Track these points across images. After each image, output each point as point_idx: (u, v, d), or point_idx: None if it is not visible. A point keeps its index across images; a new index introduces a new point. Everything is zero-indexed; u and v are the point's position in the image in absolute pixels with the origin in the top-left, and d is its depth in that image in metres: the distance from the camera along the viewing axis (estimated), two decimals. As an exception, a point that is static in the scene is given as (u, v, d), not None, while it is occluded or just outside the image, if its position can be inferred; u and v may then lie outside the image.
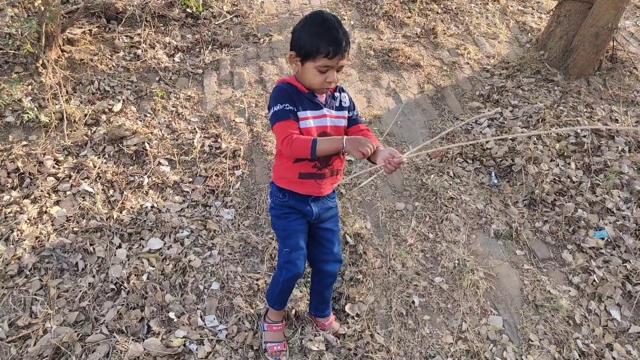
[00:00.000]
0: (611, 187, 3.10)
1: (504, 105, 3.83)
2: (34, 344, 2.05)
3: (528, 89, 4.00)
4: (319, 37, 1.62)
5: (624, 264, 2.67)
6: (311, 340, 2.19)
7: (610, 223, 2.89)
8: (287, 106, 1.69)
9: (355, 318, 2.35)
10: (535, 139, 3.38)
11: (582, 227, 2.88)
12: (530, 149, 3.28)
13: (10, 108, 3.17)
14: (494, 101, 3.90)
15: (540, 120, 3.58)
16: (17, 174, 2.76)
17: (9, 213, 2.56)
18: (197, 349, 2.11)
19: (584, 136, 3.44)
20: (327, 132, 1.80)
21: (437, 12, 4.99)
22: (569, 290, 2.58)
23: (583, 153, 3.33)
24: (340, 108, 1.86)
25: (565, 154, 3.32)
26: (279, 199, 1.93)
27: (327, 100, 1.82)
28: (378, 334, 2.29)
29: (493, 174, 3.24)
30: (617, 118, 3.73)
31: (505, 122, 3.60)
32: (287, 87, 1.74)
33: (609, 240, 2.81)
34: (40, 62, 3.42)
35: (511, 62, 4.38)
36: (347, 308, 2.37)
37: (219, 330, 2.22)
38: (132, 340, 2.09)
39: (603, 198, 3.03)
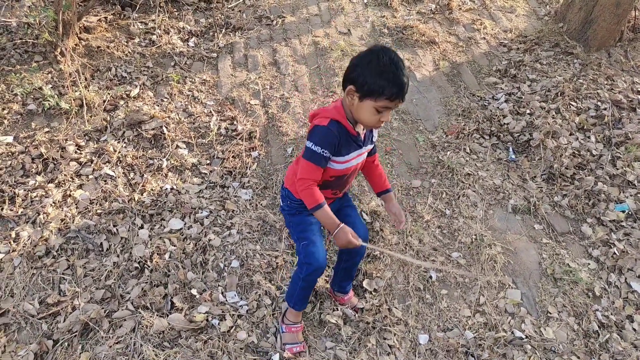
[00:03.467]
0: (632, 159, 3.04)
1: (521, 80, 3.77)
2: (64, 320, 2.14)
3: (546, 63, 3.92)
4: (385, 79, 1.59)
5: (646, 237, 2.64)
6: (329, 314, 2.23)
7: (631, 196, 2.85)
8: (326, 153, 1.72)
9: (373, 293, 2.38)
10: (554, 113, 3.33)
11: (602, 201, 2.84)
12: (549, 123, 3.23)
13: (32, 96, 3.25)
14: (512, 76, 3.83)
15: (559, 94, 3.51)
16: (41, 160, 2.85)
17: (35, 197, 2.65)
18: (219, 324, 2.17)
19: (605, 109, 3.37)
20: (357, 167, 1.92)
21: (452, -12, 4.88)
22: (589, 264, 2.56)
23: (603, 126, 3.26)
24: (371, 141, 1.92)
25: (585, 127, 3.26)
26: (294, 202, 1.98)
27: (366, 136, 1.85)
28: (396, 308, 2.32)
29: (511, 150, 3.21)
30: (639, 90, 3.64)
31: (523, 97, 3.55)
32: (337, 130, 1.72)
33: (630, 213, 2.77)
34: (59, 50, 3.48)
35: (529, 36, 4.29)
36: (364, 284, 2.40)
37: (240, 306, 2.27)
38: (157, 315, 2.17)
39: (624, 171, 2.98)
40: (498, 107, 3.50)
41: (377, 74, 1.60)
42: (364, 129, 1.82)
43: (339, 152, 1.77)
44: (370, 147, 1.92)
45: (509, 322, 2.28)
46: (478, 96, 3.68)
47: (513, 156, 3.16)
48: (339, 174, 1.87)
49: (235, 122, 3.30)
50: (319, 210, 1.76)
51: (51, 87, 3.28)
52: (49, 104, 3.14)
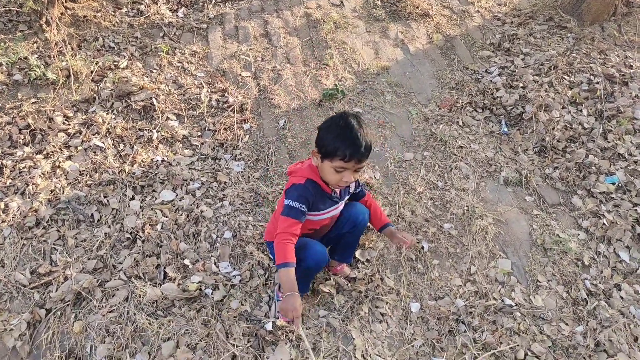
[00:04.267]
0: (623, 132, 3.06)
1: (515, 53, 3.75)
2: (56, 290, 2.13)
3: (540, 37, 3.90)
4: (339, 140, 1.73)
5: (635, 208, 2.67)
6: (322, 283, 2.24)
7: (621, 168, 2.87)
8: (303, 207, 1.83)
9: (366, 263, 2.39)
10: (547, 86, 3.32)
11: (593, 173, 2.86)
12: (541, 97, 3.22)
13: (17, 66, 3.16)
14: (505, 49, 3.81)
15: (552, 67, 3.50)
16: (28, 131, 2.79)
17: (23, 168, 2.61)
18: (212, 293, 2.17)
19: (597, 82, 3.37)
20: (334, 217, 2.04)
21: (447, -40, 4.81)
22: (578, 234, 2.60)
23: (595, 99, 3.27)
24: (348, 193, 2.06)
25: (577, 100, 3.26)
26: None
27: (341, 193, 1.99)
28: (388, 277, 2.34)
29: (503, 122, 3.21)
30: (631, 64, 3.64)
31: (517, 71, 3.53)
32: (312, 188, 1.86)
33: (620, 185, 2.79)
34: (44, 19, 3.39)
35: (523, 10, 4.26)
36: (357, 254, 2.41)
37: (233, 276, 2.28)
38: (150, 285, 2.16)
39: (615, 144, 3.00)
40: (491, 81, 3.49)
41: (332, 137, 1.74)
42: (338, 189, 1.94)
43: (315, 207, 1.90)
44: (347, 198, 2.04)
45: (499, 291, 2.32)
46: (471, 69, 3.66)
47: (505, 129, 3.16)
48: (316, 227, 2.02)
49: (226, 94, 3.25)
50: (285, 268, 1.77)
51: (37, 57, 3.20)
52: (35, 74, 3.07)
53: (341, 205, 2.04)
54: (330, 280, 2.27)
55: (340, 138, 1.73)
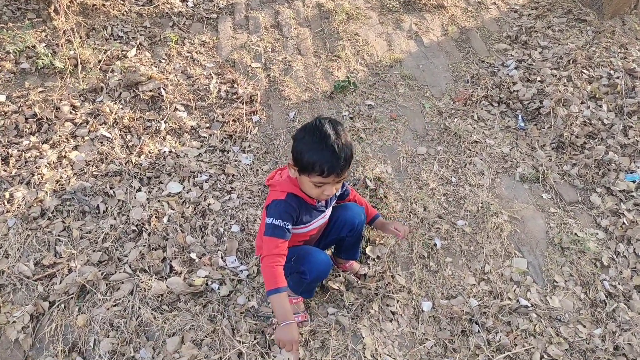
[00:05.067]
0: (645, 129, 2.95)
1: (532, 46, 3.64)
2: (60, 282, 2.09)
3: (559, 30, 3.79)
4: (315, 155, 1.57)
5: (656, 207, 2.58)
6: (331, 280, 2.18)
7: (642, 166, 2.77)
8: (287, 225, 1.70)
9: (376, 260, 2.32)
10: (565, 81, 3.22)
11: (613, 170, 2.76)
12: (560, 91, 3.12)
13: (25, 55, 3.12)
14: (522, 42, 3.70)
15: (571, 61, 3.39)
16: (35, 120, 2.75)
17: (29, 157, 2.57)
18: (218, 288, 2.12)
19: (617, 77, 3.26)
20: (324, 224, 1.95)
21: (462, -50, 4.69)
22: (597, 233, 2.51)
23: (616, 95, 3.16)
24: (334, 198, 1.94)
25: (597, 95, 3.16)
26: None
27: (327, 201, 1.87)
28: (399, 275, 2.27)
29: (520, 117, 3.11)
30: (653, 59, 3.52)
31: (534, 64, 3.43)
32: (295, 202, 1.72)
33: (641, 183, 2.70)
34: (52, 7, 3.35)
35: (541, 2, 4.14)
36: (367, 250, 2.35)
37: (240, 271, 2.22)
38: (155, 278, 2.11)
39: (635, 140, 2.89)
40: (508, 74, 3.39)
41: (308, 150, 1.58)
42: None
43: (300, 221, 1.79)
44: (334, 203, 1.95)
45: (514, 291, 2.24)
46: (487, 62, 3.56)
47: (522, 124, 3.07)
48: (305, 238, 1.92)
49: (235, 85, 3.19)
50: (276, 294, 1.64)
51: (45, 46, 3.15)
52: (42, 63, 3.02)
53: (328, 212, 1.93)
54: (340, 277, 2.21)
55: (316, 151, 1.56)
